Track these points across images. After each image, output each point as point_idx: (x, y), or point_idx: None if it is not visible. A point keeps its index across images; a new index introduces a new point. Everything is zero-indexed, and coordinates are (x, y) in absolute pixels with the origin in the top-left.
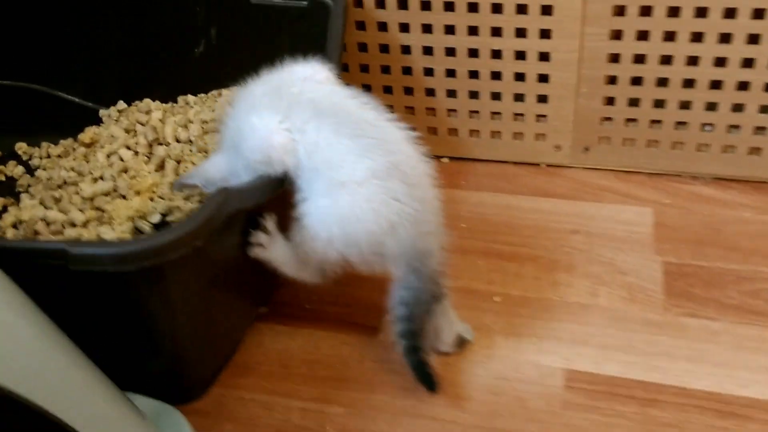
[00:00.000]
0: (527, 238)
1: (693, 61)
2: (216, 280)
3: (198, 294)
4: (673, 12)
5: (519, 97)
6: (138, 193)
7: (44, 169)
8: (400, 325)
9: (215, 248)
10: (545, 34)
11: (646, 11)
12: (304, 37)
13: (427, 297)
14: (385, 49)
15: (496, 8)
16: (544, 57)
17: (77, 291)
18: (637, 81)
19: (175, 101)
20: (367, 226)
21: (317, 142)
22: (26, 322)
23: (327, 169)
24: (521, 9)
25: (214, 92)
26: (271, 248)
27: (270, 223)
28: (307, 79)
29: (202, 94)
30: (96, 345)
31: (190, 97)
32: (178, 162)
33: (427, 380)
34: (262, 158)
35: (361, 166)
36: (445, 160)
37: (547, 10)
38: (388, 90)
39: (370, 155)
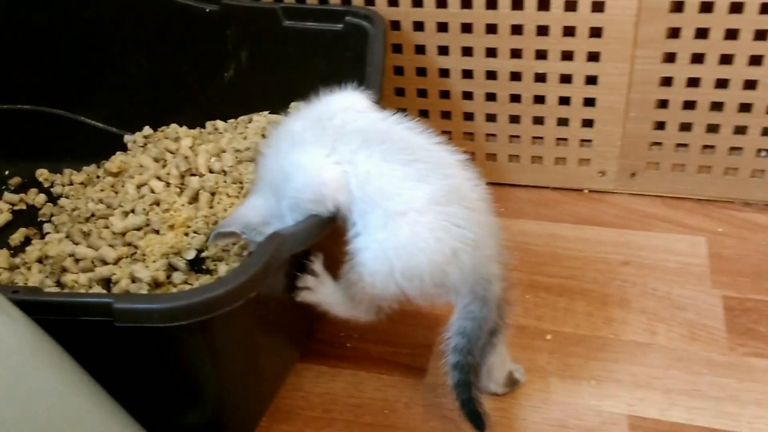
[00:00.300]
0: (575, 269)
1: (751, 85)
2: (262, 324)
3: (244, 341)
4: (731, 35)
5: (563, 122)
6: (172, 227)
7: (68, 197)
8: (455, 357)
9: (264, 293)
10: (593, 56)
11: (702, 34)
12: (339, 62)
13: (488, 328)
14: (422, 72)
15: (542, 30)
16: (591, 80)
17: (118, 342)
18: (689, 105)
19: (203, 126)
20: (431, 256)
21: (369, 171)
22: (70, 387)
23: (382, 199)
24: (569, 31)
25: (244, 118)
26: (320, 291)
27: (317, 264)
28: (346, 109)
29: (232, 120)
30: (134, 394)
31: (219, 123)
32: (213, 194)
33: (476, 419)
34: (313, 197)
35: (419, 192)
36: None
37: (596, 32)
38: (424, 114)
39: (427, 180)
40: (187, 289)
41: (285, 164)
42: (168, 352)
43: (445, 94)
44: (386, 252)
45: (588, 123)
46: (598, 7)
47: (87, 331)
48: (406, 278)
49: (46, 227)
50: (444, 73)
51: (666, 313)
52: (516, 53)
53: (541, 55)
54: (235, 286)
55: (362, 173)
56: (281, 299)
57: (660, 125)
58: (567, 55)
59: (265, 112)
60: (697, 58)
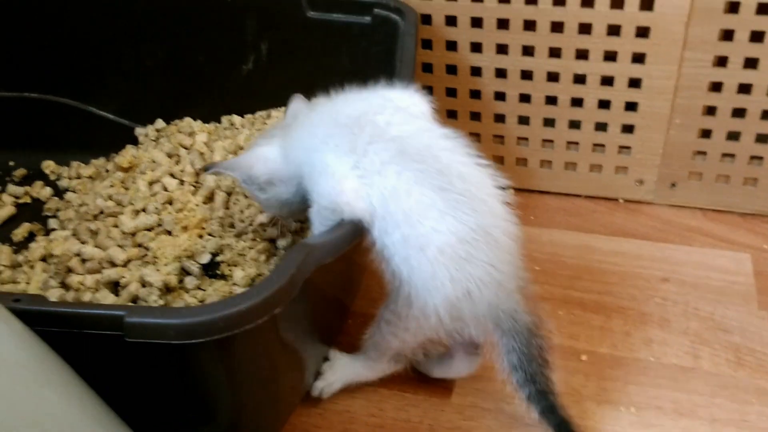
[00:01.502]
0: (611, 285)
1: None
2: (284, 339)
3: (264, 358)
4: None
5: (601, 126)
6: (185, 228)
7: (75, 192)
8: (525, 390)
9: (288, 308)
10: (638, 58)
11: (757, 37)
12: (365, 57)
13: (535, 351)
14: (452, 70)
15: (584, 29)
16: (634, 83)
17: (127, 357)
18: (739, 113)
19: (219, 121)
20: (445, 294)
21: (396, 188)
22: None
23: (404, 222)
24: (613, 30)
25: (262, 113)
26: (339, 376)
27: (331, 352)
28: (399, 109)
29: (249, 115)
30: (143, 412)
31: (236, 118)
32: (229, 194)
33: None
34: (330, 205)
35: (444, 226)
36: (511, 191)
37: (643, 32)
38: (452, 115)
39: (455, 213)
40: (207, 303)
41: (315, 157)
42: (182, 369)
43: (475, 94)
44: (405, 287)
45: (628, 129)
46: (646, 5)
47: (94, 344)
48: (423, 314)
49: (52, 223)
50: (476, 71)
51: (710, 336)
52: (555, 52)
53: (581, 54)
54: (259, 301)
55: (389, 188)
56: (305, 311)
57: (705, 133)
58: (610, 56)
59: (284, 108)
60: (751, 63)
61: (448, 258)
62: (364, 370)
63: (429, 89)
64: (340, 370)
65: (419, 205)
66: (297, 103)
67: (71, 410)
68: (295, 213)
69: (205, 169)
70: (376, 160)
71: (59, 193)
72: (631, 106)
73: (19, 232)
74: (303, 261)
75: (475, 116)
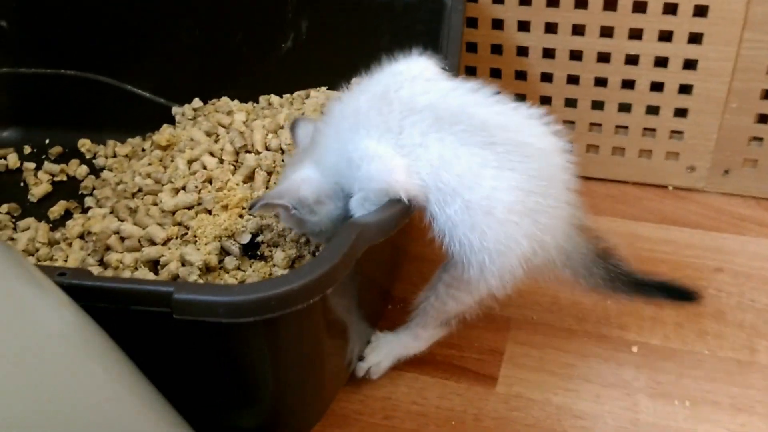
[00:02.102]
0: (661, 275)
1: None
2: (330, 321)
3: (311, 341)
4: None
5: (652, 110)
6: (225, 208)
7: (111, 170)
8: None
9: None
10: (695, 38)
11: None
12: (408, 36)
13: (611, 271)
14: (497, 50)
15: (639, 7)
16: (689, 65)
17: (171, 335)
18: None
19: (256, 101)
20: (522, 253)
21: (443, 156)
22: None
23: (461, 188)
24: (669, 9)
25: (301, 93)
26: (387, 354)
27: (375, 333)
28: (415, 78)
29: (288, 95)
30: (185, 392)
31: (274, 98)
32: (269, 174)
33: (683, 293)
34: (384, 190)
35: (503, 182)
36: None
37: (700, 11)
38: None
39: (509, 165)
40: (257, 282)
41: (350, 149)
42: (227, 349)
43: (521, 75)
44: (477, 255)
45: (681, 112)
46: None
47: (139, 321)
48: (497, 277)
49: (88, 201)
50: (522, 51)
51: (767, 329)
52: (606, 31)
53: (635, 34)
54: (311, 281)
55: (435, 158)
56: (351, 291)
57: (763, 118)
58: (665, 36)
59: (324, 88)
60: None
61: (517, 214)
62: (413, 341)
63: (473, 70)
64: (387, 347)
65: (472, 167)
66: (303, 124)
67: (114, 384)
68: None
69: (251, 206)
70: (415, 133)
71: (95, 171)
72: (685, 89)
73: (56, 210)
74: (355, 240)
75: (520, 98)
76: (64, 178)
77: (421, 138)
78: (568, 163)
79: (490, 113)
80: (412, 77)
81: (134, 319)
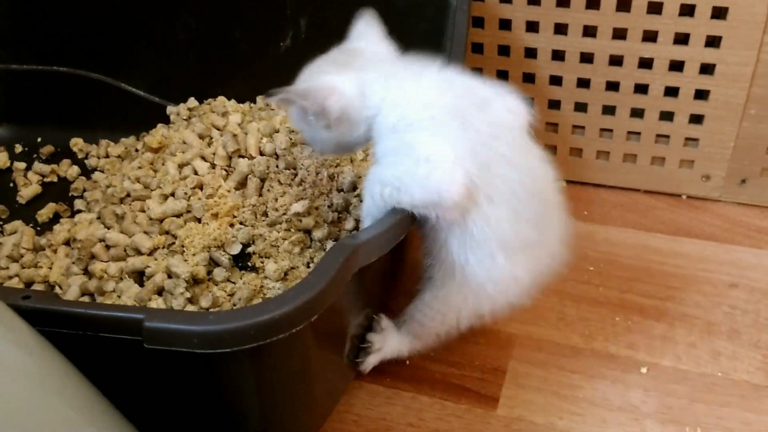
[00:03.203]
0: (673, 290)
1: None
2: (319, 344)
3: (298, 366)
4: None
5: (666, 116)
6: (215, 216)
7: (102, 172)
8: None
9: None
10: (712, 41)
11: None
12: (411, 35)
13: None
14: (504, 51)
15: (654, 7)
16: (706, 69)
17: (146, 364)
18: None
19: (254, 101)
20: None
21: (500, 218)
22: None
23: (497, 242)
24: (686, 10)
25: None
26: (387, 348)
27: (383, 320)
28: (510, 128)
29: None
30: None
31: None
32: (263, 180)
33: None
34: (430, 201)
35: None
36: (563, 183)
37: (719, 13)
38: None
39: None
40: (235, 309)
41: (416, 137)
42: (207, 379)
43: (529, 78)
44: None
45: (696, 119)
46: None
47: (110, 348)
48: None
49: (78, 204)
50: (530, 53)
51: None
52: (619, 33)
53: (649, 36)
54: (294, 308)
55: (493, 216)
56: (342, 311)
57: None
58: (681, 38)
59: None
60: None
61: (531, 277)
62: (405, 344)
63: (478, 71)
64: (390, 347)
65: (517, 237)
66: (368, 24)
67: (80, 420)
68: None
69: (269, 95)
70: (493, 181)
71: (87, 172)
72: (701, 95)
73: (45, 213)
74: (344, 263)
75: (528, 101)
76: (55, 179)
77: (493, 189)
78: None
79: (553, 198)
80: (498, 112)
81: (105, 346)
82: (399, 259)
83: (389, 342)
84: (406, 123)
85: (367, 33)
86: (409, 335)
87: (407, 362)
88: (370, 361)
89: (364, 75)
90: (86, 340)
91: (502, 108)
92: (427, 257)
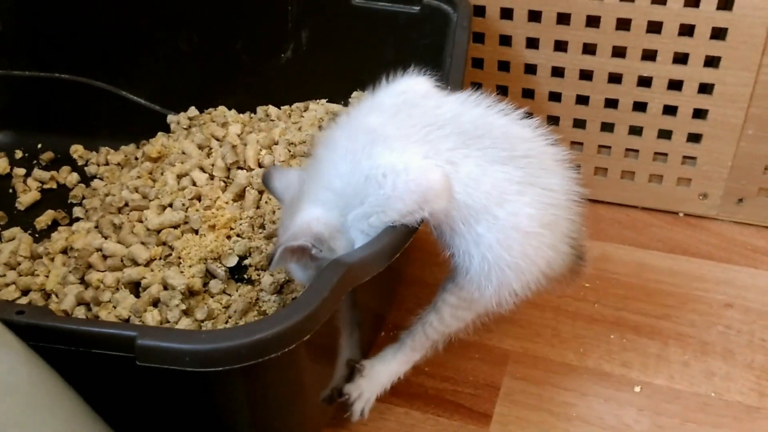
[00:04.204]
0: (668, 308)
1: None
2: (313, 360)
3: (291, 383)
4: None
5: (664, 134)
6: (213, 228)
7: (102, 179)
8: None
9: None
10: (711, 62)
11: None
12: (412, 49)
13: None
14: (504, 66)
15: (654, 27)
16: (705, 89)
17: (139, 380)
18: None
19: (254, 111)
20: (546, 261)
21: (470, 173)
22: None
23: (490, 204)
24: (686, 30)
25: (300, 105)
26: (373, 387)
27: (363, 365)
28: (426, 95)
29: (286, 107)
30: None
31: (272, 109)
32: (261, 192)
33: None
34: (415, 204)
35: (526, 197)
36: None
37: (718, 34)
38: None
39: (531, 180)
40: (229, 328)
41: (365, 167)
42: (199, 396)
43: (528, 94)
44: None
45: (695, 138)
46: (724, 4)
47: (103, 364)
48: (512, 293)
49: (76, 211)
50: (530, 69)
51: None
52: (619, 51)
53: (648, 55)
54: (286, 328)
55: (464, 175)
56: (336, 326)
57: None
58: (680, 58)
59: (323, 101)
60: None
61: (542, 226)
62: (401, 366)
63: (478, 86)
64: (376, 380)
65: (498, 183)
66: (279, 174)
67: None
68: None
69: (270, 263)
70: (442, 149)
71: (86, 179)
72: (699, 114)
73: (43, 220)
74: (338, 283)
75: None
76: (54, 186)
77: (449, 154)
78: (573, 174)
79: (508, 124)
80: (421, 94)
81: (99, 362)
82: (395, 276)
83: (374, 382)
84: (347, 174)
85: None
86: (407, 352)
87: (399, 377)
88: (357, 409)
89: (308, 197)
90: (79, 355)
91: (406, 84)
92: (446, 250)
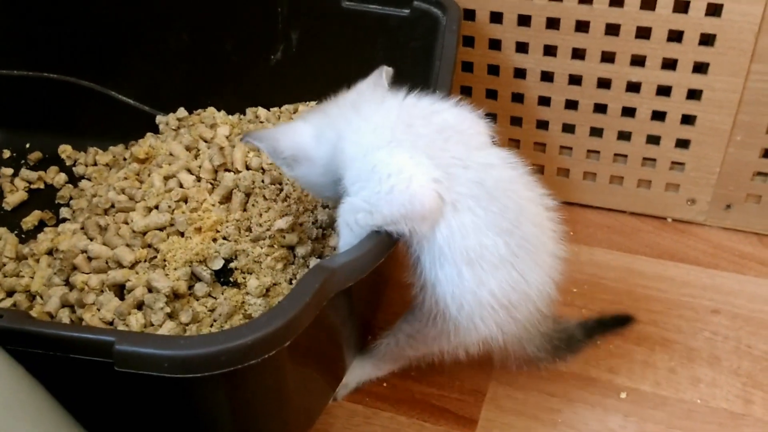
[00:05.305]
0: (655, 314)
1: None
2: (296, 365)
3: (274, 388)
4: None
5: (653, 140)
6: (199, 230)
7: (90, 180)
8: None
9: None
10: (700, 68)
11: None
12: (401, 52)
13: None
14: (494, 70)
15: (642, 32)
16: (693, 94)
17: (118, 386)
18: None
19: (243, 113)
20: (489, 333)
21: (464, 225)
22: None
23: (462, 260)
24: (674, 36)
25: (289, 107)
26: (353, 378)
27: None
28: (461, 131)
29: (275, 109)
30: None
31: (261, 111)
32: (247, 195)
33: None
34: (398, 217)
35: (501, 273)
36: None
37: (707, 40)
38: (491, 118)
39: (513, 260)
40: (208, 334)
41: (379, 157)
42: (179, 402)
43: (517, 98)
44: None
45: (683, 143)
46: (713, 11)
47: (82, 369)
48: (455, 344)
49: (63, 212)
50: (520, 73)
51: (763, 378)
52: (608, 57)
53: (637, 61)
54: (266, 334)
55: (457, 223)
56: (320, 332)
57: None
58: (668, 64)
59: (312, 103)
60: None
61: (499, 305)
62: (374, 369)
63: (468, 90)
64: (355, 372)
65: (482, 248)
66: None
67: None
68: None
69: (241, 138)
70: (455, 187)
71: (74, 179)
72: (688, 119)
73: (29, 221)
74: (319, 288)
75: (516, 121)
76: (42, 186)
77: (457, 196)
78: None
79: (527, 200)
80: (467, 129)
81: (78, 367)
82: (382, 280)
83: (354, 373)
84: (362, 151)
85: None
86: (376, 360)
87: (384, 384)
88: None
89: (319, 118)
90: (58, 360)
91: (450, 115)
92: (410, 278)
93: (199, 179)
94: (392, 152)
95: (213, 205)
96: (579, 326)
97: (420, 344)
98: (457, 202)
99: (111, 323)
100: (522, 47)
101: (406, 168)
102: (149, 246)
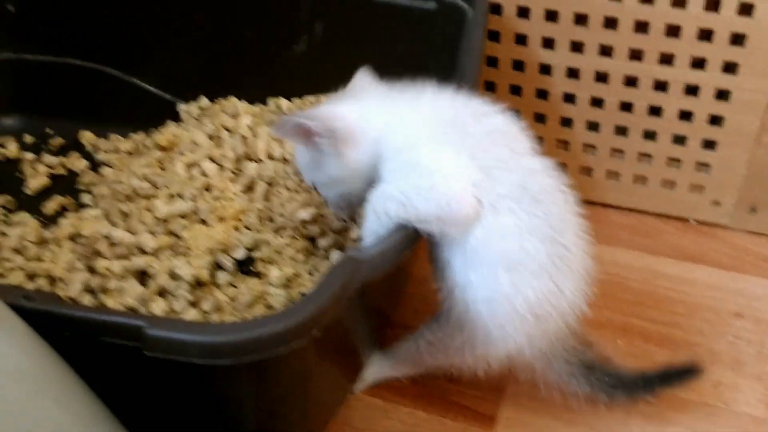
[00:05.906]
0: (678, 316)
1: None
2: (319, 357)
3: (297, 379)
4: None
5: (679, 140)
6: (222, 219)
7: (111, 167)
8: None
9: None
10: (730, 67)
11: None
12: (426, 46)
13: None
14: (519, 66)
15: (672, 31)
16: (722, 95)
17: (145, 370)
18: None
19: (265, 103)
20: (516, 345)
21: (504, 228)
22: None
23: (499, 264)
24: (704, 35)
25: (311, 98)
26: (371, 373)
27: None
28: (508, 135)
29: (297, 99)
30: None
31: (283, 102)
32: (270, 185)
33: (684, 372)
34: (432, 216)
35: (538, 281)
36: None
37: (737, 40)
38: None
39: (551, 270)
40: (238, 322)
41: (424, 154)
42: (205, 388)
43: (542, 94)
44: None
45: (709, 144)
46: (745, 10)
47: (110, 352)
48: (476, 357)
49: (85, 198)
50: (545, 69)
51: None
52: (636, 54)
53: (666, 59)
54: (296, 323)
55: (495, 225)
56: (344, 325)
57: None
58: (697, 63)
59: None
60: None
61: (532, 314)
62: (392, 370)
63: (492, 85)
64: (373, 368)
65: (523, 252)
66: (364, 76)
67: (73, 424)
68: (353, 202)
69: (276, 127)
70: (496, 189)
71: (95, 166)
72: (715, 120)
73: (51, 206)
74: (348, 279)
75: (540, 118)
76: (63, 172)
77: (498, 197)
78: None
79: (568, 211)
80: (512, 133)
81: (106, 350)
82: (402, 274)
83: (374, 368)
84: (409, 143)
85: (362, 83)
86: (404, 362)
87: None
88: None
89: (365, 102)
90: (86, 343)
91: (499, 119)
92: (436, 282)
93: (221, 168)
94: (439, 149)
95: (235, 194)
96: (640, 377)
97: (440, 353)
98: (497, 204)
99: (133, 309)
100: (548, 43)
101: (450, 168)
102: (172, 233)
